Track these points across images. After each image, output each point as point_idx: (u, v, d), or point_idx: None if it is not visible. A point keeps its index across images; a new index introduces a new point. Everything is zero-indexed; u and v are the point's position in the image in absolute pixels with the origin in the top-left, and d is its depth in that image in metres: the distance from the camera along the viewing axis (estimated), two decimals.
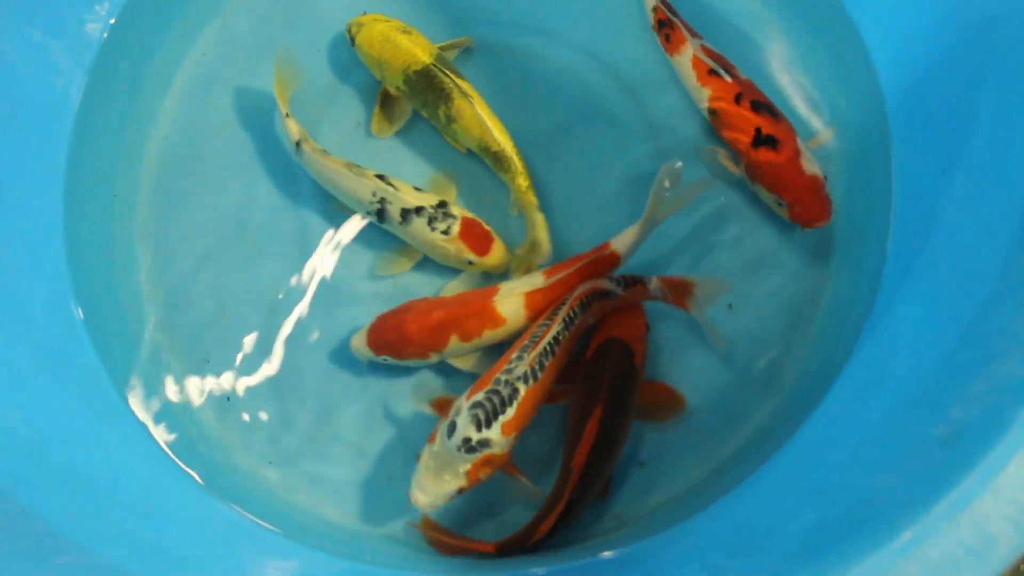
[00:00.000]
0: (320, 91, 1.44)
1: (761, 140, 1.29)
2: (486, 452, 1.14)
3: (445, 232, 1.28)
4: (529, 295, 1.25)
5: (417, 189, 1.32)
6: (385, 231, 1.35)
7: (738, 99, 1.31)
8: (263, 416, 1.32)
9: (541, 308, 1.24)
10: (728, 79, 1.32)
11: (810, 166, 1.28)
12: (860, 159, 1.38)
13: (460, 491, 1.14)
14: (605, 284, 1.23)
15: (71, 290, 1.31)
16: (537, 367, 1.16)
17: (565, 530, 1.18)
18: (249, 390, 1.32)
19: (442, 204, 1.30)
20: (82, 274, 1.33)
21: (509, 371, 1.15)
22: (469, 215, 1.31)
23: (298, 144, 1.34)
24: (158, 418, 1.29)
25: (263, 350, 1.34)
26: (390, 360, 1.26)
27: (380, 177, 1.31)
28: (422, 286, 1.35)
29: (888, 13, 1.35)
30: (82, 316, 1.30)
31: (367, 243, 1.38)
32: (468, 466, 1.13)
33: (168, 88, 1.45)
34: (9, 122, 1.31)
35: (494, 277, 1.34)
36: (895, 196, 1.32)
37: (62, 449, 1.11)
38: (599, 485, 1.19)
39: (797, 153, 1.28)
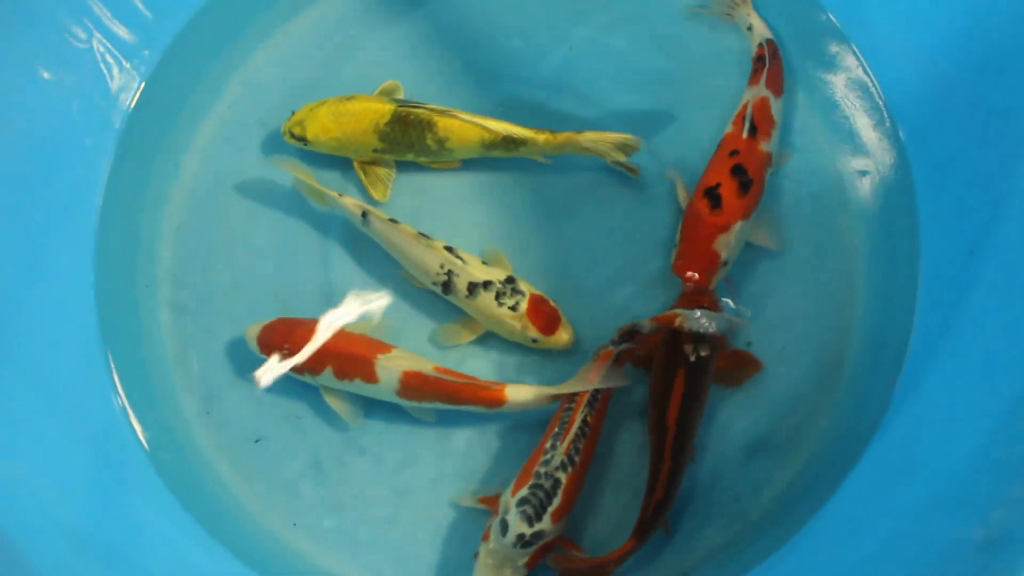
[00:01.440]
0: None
1: (711, 193, 1.30)
2: (541, 542, 1.16)
3: (513, 308, 1.28)
4: (407, 375, 1.25)
5: (484, 263, 1.32)
6: (413, 297, 1.36)
7: (732, 154, 1.32)
8: (300, 487, 1.32)
9: (413, 390, 1.25)
10: (744, 135, 1.33)
11: (723, 246, 1.29)
12: (886, 230, 1.38)
13: None
14: (613, 351, 1.24)
15: (103, 364, 1.33)
16: (573, 453, 1.18)
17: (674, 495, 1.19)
18: (279, 458, 1.33)
19: (510, 280, 1.30)
20: (111, 332, 1.34)
21: (547, 463, 1.17)
22: (537, 292, 1.31)
23: (364, 215, 1.33)
24: (189, 489, 1.29)
25: (296, 412, 1.34)
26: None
27: (448, 249, 1.31)
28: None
29: (919, 94, 1.37)
30: (122, 395, 1.32)
31: (396, 304, 1.38)
32: (526, 559, 1.16)
33: (193, 142, 1.46)
34: (45, 182, 1.33)
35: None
36: (922, 272, 1.33)
37: (100, 530, 1.12)
38: (692, 443, 1.22)
39: (723, 230, 1.29)
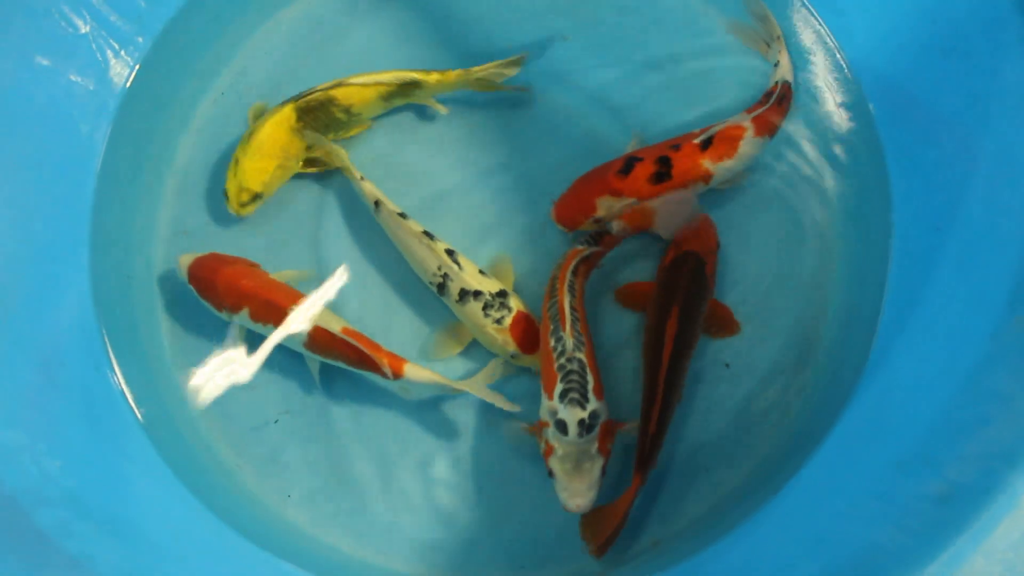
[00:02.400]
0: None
1: (630, 160, 1.35)
2: (600, 422, 1.20)
3: (498, 322, 1.30)
4: (316, 331, 1.28)
5: (481, 272, 1.34)
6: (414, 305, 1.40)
7: (673, 147, 1.35)
8: (296, 459, 1.35)
9: (319, 345, 1.29)
10: (696, 141, 1.35)
11: (604, 207, 1.33)
12: (859, 209, 1.42)
13: (603, 472, 1.20)
14: (584, 250, 1.30)
15: (99, 341, 1.35)
16: (578, 333, 1.23)
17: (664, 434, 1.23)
18: (275, 431, 1.36)
19: (502, 293, 1.32)
20: (107, 311, 1.37)
21: (561, 352, 1.22)
22: (525, 310, 1.32)
23: (376, 204, 1.37)
24: (185, 464, 1.32)
25: (289, 403, 1.37)
26: (194, 291, 1.34)
27: (449, 252, 1.33)
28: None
29: (889, 77, 1.41)
30: (117, 370, 1.35)
31: (398, 304, 1.41)
32: (596, 444, 1.20)
33: (187, 125, 1.49)
34: (41, 165, 1.36)
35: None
36: (893, 249, 1.37)
37: (101, 498, 1.15)
38: (683, 380, 1.27)
39: (615, 194, 1.32)
